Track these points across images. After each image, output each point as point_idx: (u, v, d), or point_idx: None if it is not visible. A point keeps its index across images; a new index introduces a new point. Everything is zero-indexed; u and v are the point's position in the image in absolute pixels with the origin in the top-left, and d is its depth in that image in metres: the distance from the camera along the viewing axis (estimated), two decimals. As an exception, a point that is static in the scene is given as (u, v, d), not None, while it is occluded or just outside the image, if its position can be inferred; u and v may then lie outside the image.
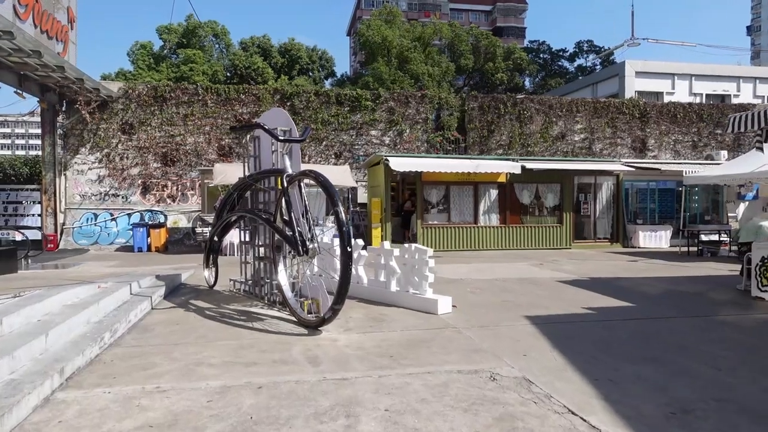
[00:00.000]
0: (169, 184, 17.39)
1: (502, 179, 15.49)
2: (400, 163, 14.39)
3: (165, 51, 38.34)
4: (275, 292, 6.92)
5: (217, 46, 41.23)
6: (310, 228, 5.92)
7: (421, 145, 19.15)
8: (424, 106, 19.35)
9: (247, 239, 7.83)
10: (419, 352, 4.83)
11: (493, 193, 15.59)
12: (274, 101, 18.04)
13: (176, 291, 8.36)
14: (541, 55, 51.26)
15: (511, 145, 19.95)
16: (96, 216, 16.87)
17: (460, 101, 20.03)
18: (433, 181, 15.22)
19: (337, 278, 5.31)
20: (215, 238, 8.37)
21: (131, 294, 7.05)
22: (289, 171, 6.17)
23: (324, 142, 18.39)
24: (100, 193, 17.00)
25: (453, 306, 6.70)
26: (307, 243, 5.78)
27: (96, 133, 16.95)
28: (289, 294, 6.25)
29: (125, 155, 17.16)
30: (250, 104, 17.87)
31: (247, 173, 7.50)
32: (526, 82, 47.47)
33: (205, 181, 15.87)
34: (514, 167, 15.01)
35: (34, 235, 16.30)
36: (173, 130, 17.37)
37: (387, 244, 7.40)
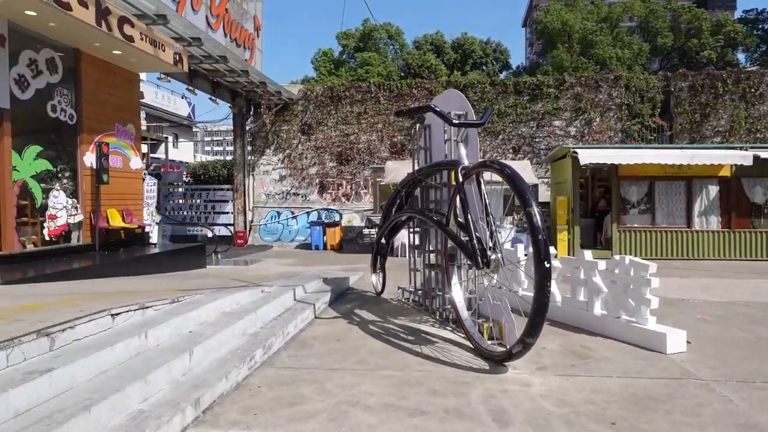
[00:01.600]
0: (344, 182, 17.47)
1: (724, 173, 12.54)
2: (590, 156, 12.38)
3: (344, 56, 39.99)
4: (448, 308, 5.83)
5: (391, 47, 41.88)
6: (491, 234, 4.70)
7: (614, 135, 16.63)
8: (618, 90, 16.76)
9: (417, 243, 6.89)
10: (655, 421, 3.31)
11: (713, 189, 12.69)
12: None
13: (342, 297, 7.76)
14: (762, 26, 42.90)
15: (734, 131, 16.34)
16: (279, 214, 17.62)
17: (664, 82, 16.98)
18: (633, 176, 12.88)
19: (522, 293, 4.06)
20: (382, 241, 7.58)
21: (295, 300, 6.53)
22: (465, 163, 5.01)
23: (501, 136, 16.93)
24: (283, 192, 17.72)
25: (686, 342, 4.93)
26: (488, 253, 4.56)
27: (278, 134, 17.70)
28: (464, 313, 5.11)
29: (304, 155, 17.65)
30: (422, 99, 17.16)
31: (416, 168, 6.54)
32: (741, 59, 40.08)
33: (377, 179, 15.53)
34: (743, 157, 11.99)
35: (227, 231, 17.56)
36: (347, 129, 17.42)
37: (588, 254, 5.83)
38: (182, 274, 8.94)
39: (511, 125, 16.82)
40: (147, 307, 4.40)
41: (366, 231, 14.09)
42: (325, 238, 15.93)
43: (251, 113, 17.80)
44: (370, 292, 8.05)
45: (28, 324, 3.44)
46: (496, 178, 4.45)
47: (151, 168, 20.76)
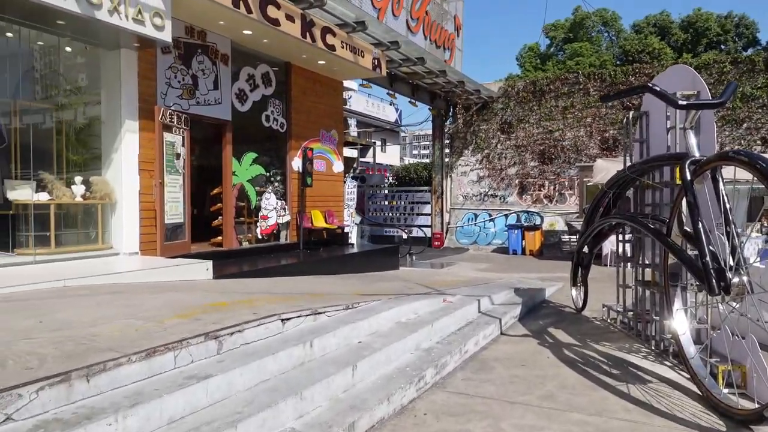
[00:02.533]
0: (546, 183, 16.23)
1: None
2: None
3: (551, 49, 37.85)
4: (667, 337, 4.68)
5: (606, 34, 38.30)
6: (733, 249, 3.52)
7: None
8: None
9: (627, 255, 5.76)
10: None
11: None
12: (672, 79, 14.67)
13: (535, 311, 6.94)
14: None
15: None
16: (476, 216, 17.14)
17: None
18: None
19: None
20: (584, 249, 6.56)
21: (479, 312, 5.96)
22: (696, 155, 3.87)
23: (745, 124, 13.94)
24: (480, 194, 17.20)
25: None
26: (727, 273, 3.41)
27: (477, 134, 17.22)
28: (690, 349, 3.97)
29: (503, 155, 16.87)
30: (640, 87, 15.01)
31: (628, 164, 5.44)
32: None
33: (584, 179, 14.04)
34: None
35: (424, 233, 17.69)
36: (551, 125, 16.13)
37: None
38: (374, 275, 9.02)
39: (759, 111, 13.70)
40: (320, 313, 4.29)
41: (566, 238, 12.78)
42: (523, 243, 14.96)
43: (450, 114, 17.66)
44: (568, 307, 7.09)
45: (203, 324, 3.51)
46: (741, 174, 3.31)
47: (357, 171, 22.10)
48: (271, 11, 7.94)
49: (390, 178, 21.43)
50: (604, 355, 4.86)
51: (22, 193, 6.27)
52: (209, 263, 6.64)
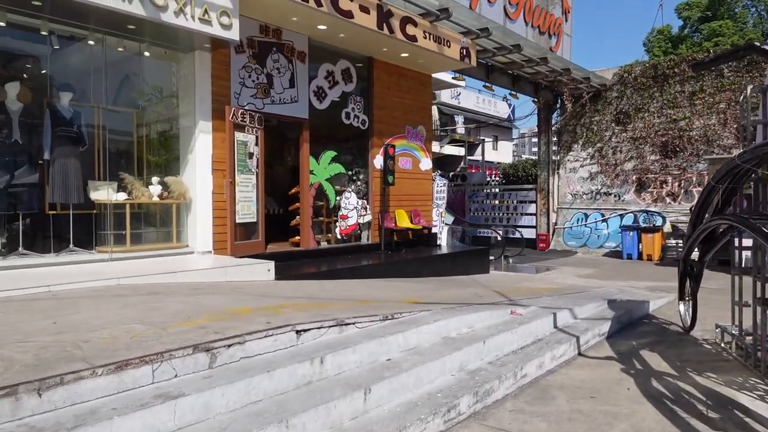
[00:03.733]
0: (669, 179, 14.34)
1: None
2: None
3: (685, 30, 33.96)
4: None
5: (753, 9, 33.53)
6: None
7: None
8: None
9: (744, 264, 4.64)
10: None
11: None
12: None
13: (631, 328, 5.91)
14: None
15: None
16: (586, 216, 15.67)
17: None
18: None
19: None
20: (693, 257, 5.44)
21: (554, 328, 5.15)
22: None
23: None
24: (591, 192, 15.68)
25: None
26: None
27: (588, 127, 15.72)
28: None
29: (618, 148, 15.21)
30: (789, 64, 12.69)
31: (740, 152, 4.34)
32: None
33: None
34: None
35: (530, 233, 16.55)
36: (676, 113, 14.22)
37: None
38: (453, 279, 8.40)
39: None
40: (347, 324, 3.85)
41: (672, 242, 11.09)
42: (640, 246, 13.32)
43: (557, 106, 16.32)
44: (675, 325, 5.97)
45: (203, 333, 3.23)
46: None
47: (459, 169, 21.31)
48: (343, 3, 7.66)
49: (494, 177, 20.39)
50: (705, 390, 3.88)
51: (103, 193, 6.57)
52: (271, 264, 6.49)
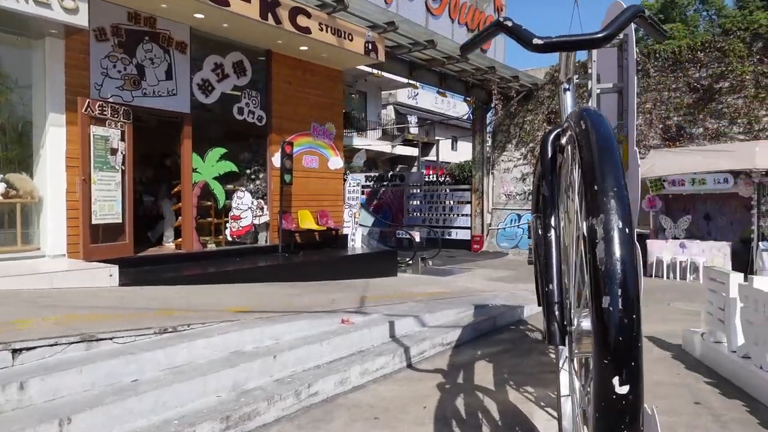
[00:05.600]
0: (598, 180, 14.17)
1: None
2: None
3: (640, 33, 34.27)
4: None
5: (704, 13, 34.05)
6: (595, 272, 2.16)
7: None
8: None
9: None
10: None
11: None
12: (751, 52, 12.18)
13: (492, 335, 5.57)
14: None
15: None
16: (519, 217, 15.45)
17: None
18: None
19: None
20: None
21: (390, 337, 4.77)
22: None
23: None
24: (525, 192, 15.46)
25: None
26: (572, 311, 2.07)
27: (522, 126, 15.51)
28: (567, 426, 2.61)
29: (550, 149, 14.99)
30: (711, 63, 12.65)
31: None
32: None
33: (635, 174, 11.99)
34: None
35: (465, 235, 16.29)
36: (604, 113, 14.06)
37: None
38: (345, 283, 8.00)
39: None
40: (101, 339, 3.39)
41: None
42: (566, 248, 13.10)
43: (492, 105, 16.07)
44: (541, 332, 5.65)
45: None
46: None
47: (398, 170, 20.99)
48: (217, -10, 7.19)
49: (439, 177, 20.09)
50: (506, 409, 3.52)
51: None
52: (114, 268, 5.98)
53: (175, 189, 8.36)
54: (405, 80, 17.21)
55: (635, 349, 1.33)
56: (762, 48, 12.13)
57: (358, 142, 24.14)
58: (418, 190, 17.87)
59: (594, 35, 2.38)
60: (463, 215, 16.58)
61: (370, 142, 25.55)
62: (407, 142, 28.89)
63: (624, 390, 1.32)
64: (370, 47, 9.74)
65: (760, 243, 9.38)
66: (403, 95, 31.84)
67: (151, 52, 7.60)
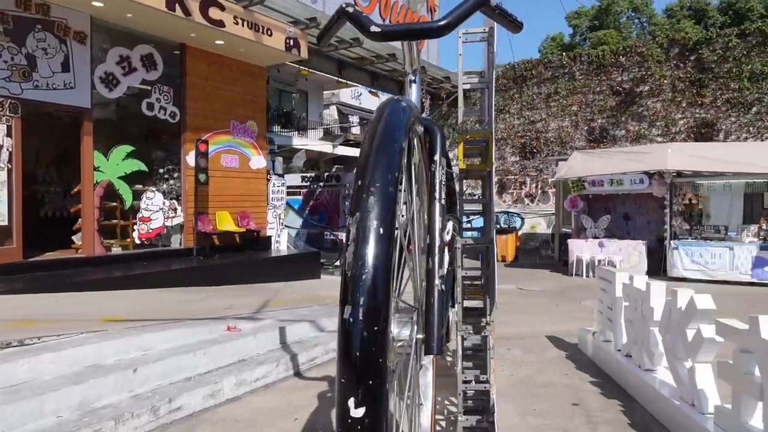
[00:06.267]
0: (528, 180, 14.43)
1: None
2: None
3: (576, 38, 35.38)
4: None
5: (636, 21, 35.49)
6: (430, 276, 2.03)
7: None
8: None
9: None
10: None
11: None
12: (668, 58, 12.65)
13: (393, 339, 5.43)
14: None
15: None
16: (453, 217, 15.48)
17: None
18: None
19: None
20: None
21: (281, 343, 4.54)
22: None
23: (754, 108, 11.77)
24: (458, 193, 15.51)
25: None
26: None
27: (454, 127, 15.56)
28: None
29: (482, 149, 15.15)
30: (632, 68, 13.06)
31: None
32: None
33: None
34: None
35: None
36: (533, 114, 14.33)
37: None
38: (260, 286, 7.72)
39: (773, 92, 11.51)
40: None
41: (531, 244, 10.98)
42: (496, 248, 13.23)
43: (427, 105, 16.08)
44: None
45: None
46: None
47: (334, 170, 20.77)
48: (115, -23, 6.76)
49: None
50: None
51: None
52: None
53: (75, 189, 7.83)
54: (336, 78, 16.96)
55: (376, 366, 1.17)
56: (678, 54, 12.61)
57: (298, 142, 23.69)
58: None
59: (432, 24, 2.23)
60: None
61: (310, 142, 25.17)
62: (348, 143, 28.66)
63: (359, 413, 1.15)
64: (291, 43, 9.47)
65: (671, 241, 9.70)
66: (346, 95, 31.60)
67: (44, 42, 7.07)
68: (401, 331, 1.96)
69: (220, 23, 8.22)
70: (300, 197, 18.43)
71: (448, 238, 3.00)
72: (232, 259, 8.88)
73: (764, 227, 9.40)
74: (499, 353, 4.92)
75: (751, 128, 11.72)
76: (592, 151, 11.78)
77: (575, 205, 11.25)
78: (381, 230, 1.27)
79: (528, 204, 14.35)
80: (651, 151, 10.34)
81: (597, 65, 13.43)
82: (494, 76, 3.41)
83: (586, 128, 13.55)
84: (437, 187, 2.28)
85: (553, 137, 13.96)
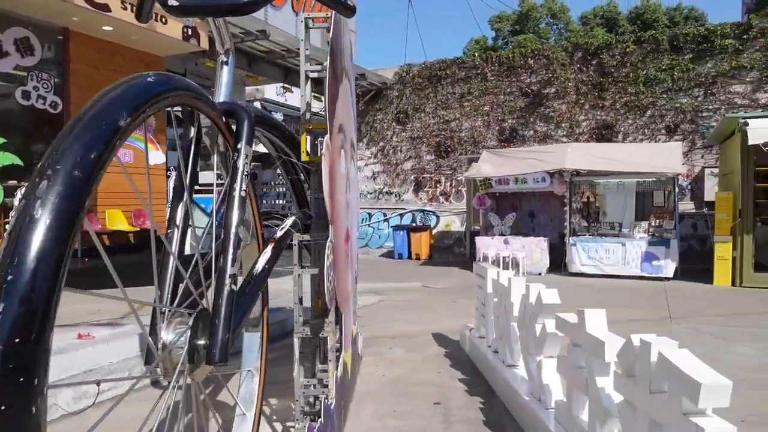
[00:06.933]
0: (443, 179, 14.59)
1: None
2: (771, 128, 7.80)
3: (498, 42, 36.41)
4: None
5: (555, 27, 37.00)
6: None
7: (838, 101, 11.03)
8: None
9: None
10: None
11: None
12: (572, 61, 13.15)
13: (282, 339, 5.22)
14: None
15: None
16: (370, 216, 15.44)
17: None
18: None
19: None
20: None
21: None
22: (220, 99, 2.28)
23: (648, 112, 12.43)
24: (375, 191, 15.49)
25: None
26: (159, 325, 1.74)
27: (372, 125, 15.51)
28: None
29: (399, 148, 15.19)
30: (540, 70, 13.48)
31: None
32: None
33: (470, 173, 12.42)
34: None
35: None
36: (448, 114, 14.49)
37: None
38: (146, 289, 7.22)
39: (665, 96, 12.20)
40: None
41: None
42: (410, 246, 13.29)
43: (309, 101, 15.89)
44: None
45: None
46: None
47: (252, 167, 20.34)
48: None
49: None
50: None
51: None
52: None
53: (-67, 184, 7.05)
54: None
55: (18, 387, 0.97)
56: (581, 58, 13.14)
57: (217, 138, 22.90)
58: (271, 189, 17.26)
59: (232, 2, 2.05)
60: (316, 214, 16.23)
61: (231, 138, 24.38)
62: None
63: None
64: (189, 32, 9.01)
65: (570, 238, 10.06)
66: (271, 91, 30.85)
67: None
68: (173, 338, 1.77)
69: (105, 7, 7.66)
70: (217, 195, 17.74)
71: (280, 234, 2.82)
72: (123, 260, 8.33)
73: (653, 224, 9.93)
74: (379, 352, 4.82)
75: (645, 130, 12.39)
76: (500, 150, 12.03)
77: (483, 203, 11.46)
78: (49, 221, 1.07)
79: (443, 202, 14.51)
80: (553, 150, 10.67)
81: (507, 67, 13.77)
82: (348, 65, 3.27)
83: (497, 128, 13.86)
84: (238, 178, 2.10)
85: (466, 136, 14.18)
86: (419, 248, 13.17)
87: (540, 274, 10.29)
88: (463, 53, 37.59)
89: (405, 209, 15.02)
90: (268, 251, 2.61)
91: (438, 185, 14.63)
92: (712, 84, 11.89)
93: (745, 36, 11.66)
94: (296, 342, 2.81)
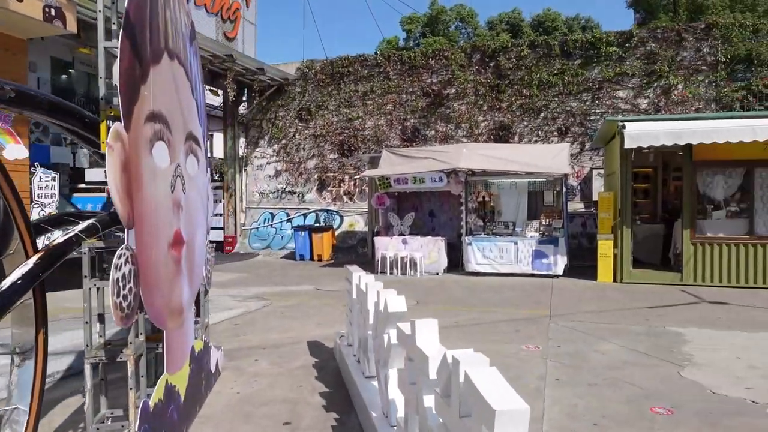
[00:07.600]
0: (346, 178, 14.33)
1: None
2: (645, 133, 8.20)
3: (409, 43, 36.77)
4: None
5: (463, 30, 37.95)
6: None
7: (705, 107, 11.92)
8: (712, 43, 12.02)
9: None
10: None
11: None
12: (471, 63, 13.34)
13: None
14: None
15: None
16: (273, 216, 14.89)
17: (785, 30, 11.93)
18: (718, 161, 8.52)
19: None
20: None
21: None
22: None
23: (542, 114, 12.84)
24: (278, 190, 14.96)
25: None
26: None
27: (274, 122, 14.96)
28: None
29: (301, 146, 14.75)
30: (440, 70, 13.56)
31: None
32: None
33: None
34: None
35: (218, 235, 15.14)
36: (351, 112, 14.24)
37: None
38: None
39: (556, 99, 12.65)
40: None
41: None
42: (311, 247, 12.91)
43: (244, 99, 15.25)
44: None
45: None
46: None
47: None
48: None
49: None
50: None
51: None
52: None
53: None
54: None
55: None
56: (479, 60, 13.35)
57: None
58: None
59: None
60: (215, 215, 15.42)
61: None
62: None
63: None
64: (52, 13, 8.10)
65: (466, 237, 10.12)
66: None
67: None
68: None
69: (-58, -21, 6.68)
70: (104, 194, 16.40)
71: (61, 240, 2.39)
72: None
73: (544, 223, 10.21)
74: (241, 366, 4.44)
75: (539, 132, 12.80)
76: (399, 150, 11.93)
77: (382, 202, 11.31)
78: None
79: (347, 202, 14.24)
80: (449, 150, 10.70)
81: (409, 66, 13.74)
82: (180, 46, 2.86)
83: (400, 127, 13.80)
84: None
85: (369, 135, 14.00)
86: (321, 249, 12.82)
87: (438, 273, 10.28)
88: (375, 53, 37.69)
89: (309, 209, 14.60)
90: (29, 263, 2.19)
91: (342, 184, 14.36)
92: (598, 89, 12.48)
93: (627, 44, 12.32)
94: (87, 369, 2.38)
